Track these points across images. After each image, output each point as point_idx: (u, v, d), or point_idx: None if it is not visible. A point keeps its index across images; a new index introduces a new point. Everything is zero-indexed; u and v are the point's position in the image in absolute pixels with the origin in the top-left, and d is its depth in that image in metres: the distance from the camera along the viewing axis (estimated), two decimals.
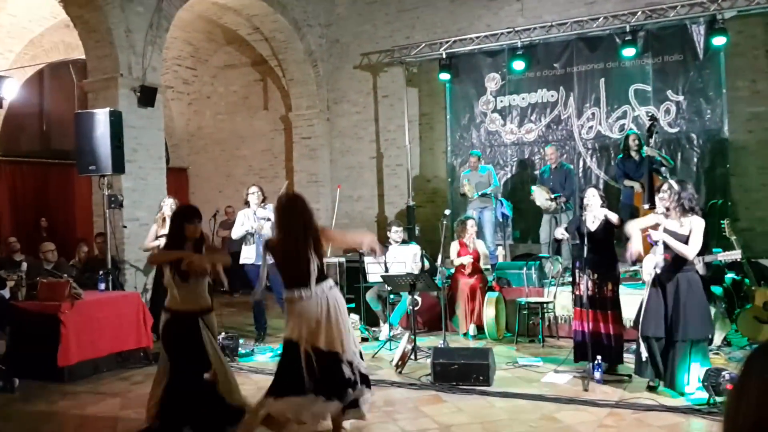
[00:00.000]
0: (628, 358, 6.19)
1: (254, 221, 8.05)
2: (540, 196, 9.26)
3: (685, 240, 5.36)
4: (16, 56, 12.22)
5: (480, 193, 9.79)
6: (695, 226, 5.36)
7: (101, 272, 8.02)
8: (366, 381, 4.57)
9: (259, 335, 8.29)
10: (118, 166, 8.16)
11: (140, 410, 4.81)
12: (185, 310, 4.64)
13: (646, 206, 8.33)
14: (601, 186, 9.87)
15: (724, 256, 6.22)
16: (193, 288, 4.66)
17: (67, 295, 6.61)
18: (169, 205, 8.01)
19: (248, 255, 8.14)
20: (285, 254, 4.46)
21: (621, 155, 9.29)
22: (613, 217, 6.14)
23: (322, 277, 4.46)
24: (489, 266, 8.69)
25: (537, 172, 10.46)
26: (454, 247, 8.39)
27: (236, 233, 8.32)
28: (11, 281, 7.43)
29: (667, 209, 5.46)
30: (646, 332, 5.50)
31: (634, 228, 5.68)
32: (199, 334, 4.62)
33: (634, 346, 5.94)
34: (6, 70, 11.16)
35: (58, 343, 6.40)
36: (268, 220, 7.80)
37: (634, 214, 8.68)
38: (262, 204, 8.16)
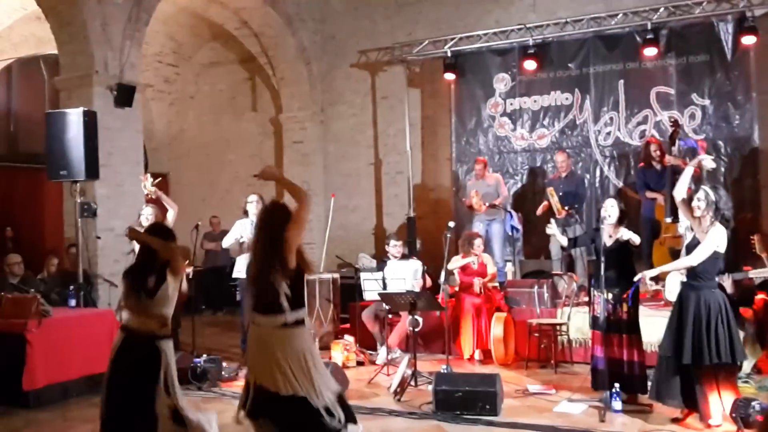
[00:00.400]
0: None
1: (251, 233, 8.00)
2: (557, 200, 9.22)
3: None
4: None
5: (489, 204, 9.77)
6: (712, 233, 5.36)
7: (72, 287, 7.99)
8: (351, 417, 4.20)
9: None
10: (92, 171, 8.15)
11: None
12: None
13: (668, 220, 8.33)
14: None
15: (754, 274, 6.25)
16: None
17: (35, 312, 6.58)
18: (146, 216, 7.99)
19: (242, 268, 8.10)
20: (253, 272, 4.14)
21: (641, 164, 9.31)
22: (636, 240, 6.11)
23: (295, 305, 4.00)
24: (497, 283, 8.67)
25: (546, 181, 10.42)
26: (456, 263, 8.33)
27: (227, 242, 8.50)
28: None
29: (700, 218, 5.44)
30: (662, 351, 5.53)
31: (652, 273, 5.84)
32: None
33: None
34: None
35: (23, 364, 6.37)
36: None
37: (655, 228, 8.69)
38: None
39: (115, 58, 9.44)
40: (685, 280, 5.55)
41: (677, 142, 8.74)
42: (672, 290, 6.12)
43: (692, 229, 5.57)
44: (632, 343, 6.10)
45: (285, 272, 3.89)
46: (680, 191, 5.56)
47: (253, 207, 8.18)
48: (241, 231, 8.31)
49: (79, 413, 6.32)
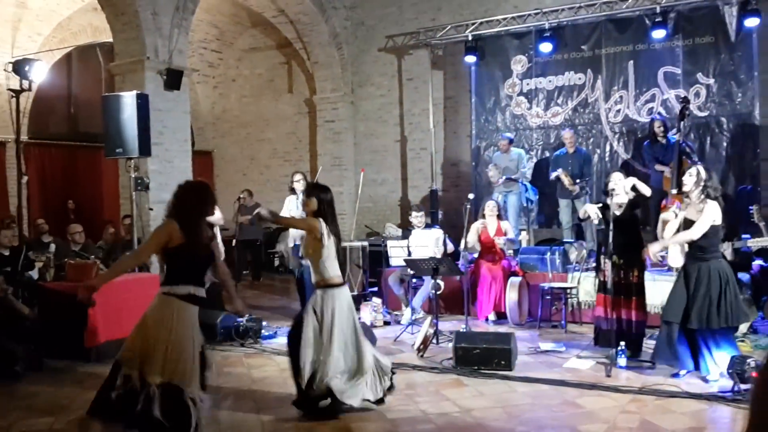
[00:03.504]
0: (649, 344, 6.15)
1: (297, 208, 8.08)
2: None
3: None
4: (44, 39, 12.38)
5: (506, 178, 9.78)
6: (707, 209, 5.34)
7: (128, 254, 8.13)
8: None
9: None
10: (145, 148, 8.23)
11: None
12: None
13: (674, 191, 8.23)
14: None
15: (753, 243, 6.18)
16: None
17: (95, 277, 6.72)
18: None
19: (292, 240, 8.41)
20: None
21: (648, 141, 9.22)
22: (645, 189, 6.08)
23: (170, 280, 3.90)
24: (512, 251, 8.65)
25: (551, 157, 10.35)
26: (475, 229, 8.26)
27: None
28: (40, 262, 7.59)
29: (688, 193, 5.42)
30: (667, 317, 5.50)
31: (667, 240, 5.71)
32: None
33: (656, 333, 5.90)
34: (35, 53, 11.31)
35: (85, 323, 6.53)
36: None
37: (664, 197, 8.61)
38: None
39: (165, 45, 9.50)
40: (687, 251, 5.52)
41: (686, 117, 8.63)
42: (674, 256, 6.06)
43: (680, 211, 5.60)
44: (638, 306, 6.11)
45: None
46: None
47: (300, 185, 8.19)
48: (289, 207, 8.36)
49: None
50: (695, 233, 5.32)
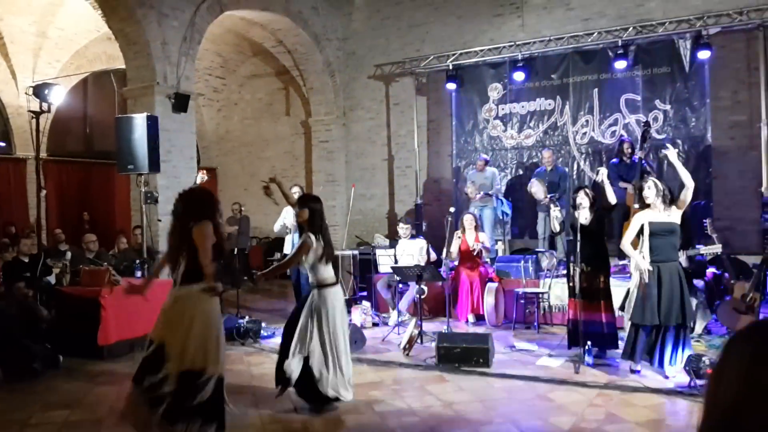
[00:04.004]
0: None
1: (294, 217, 8.07)
2: (539, 188, 9.22)
3: (673, 228, 5.39)
4: (63, 65, 12.34)
5: (483, 193, 9.80)
6: (674, 214, 5.45)
7: (137, 261, 8.08)
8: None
9: None
10: (154, 165, 8.21)
11: None
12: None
13: (636, 206, 8.27)
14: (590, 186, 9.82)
15: (706, 250, 6.23)
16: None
17: (107, 282, 6.69)
18: None
19: (290, 247, 8.58)
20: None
21: (615, 159, 9.27)
22: (611, 197, 6.12)
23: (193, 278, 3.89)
24: (489, 259, 8.66)
25: (533, 173, 10.40)
26: (455, 241, 8.31)
27: (277, 226, 9.01)
28: (57, 269, 7.52)
29: (652, 204, 5.46)
30: (635, 320, 5.49)
31: (628, 248, 5.63)
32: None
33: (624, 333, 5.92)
34: (54, 78, 11.25)
35: (98, 324, 6.49)
36: None
37: (626, 212, 8.66)
38: None
39: (173, 71, 9.48)
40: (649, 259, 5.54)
41: (647, 139, 8.70)
42: (635, 265, 6.07)
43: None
44: (606, 308, 6.11)
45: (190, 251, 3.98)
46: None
47: (296, 197, 8.20)
48: (285, 216, 8.62)
49: None
50: (690, 181, 5.42)
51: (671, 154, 5.70)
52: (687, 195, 5.45)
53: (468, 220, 8.33)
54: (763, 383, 0.95)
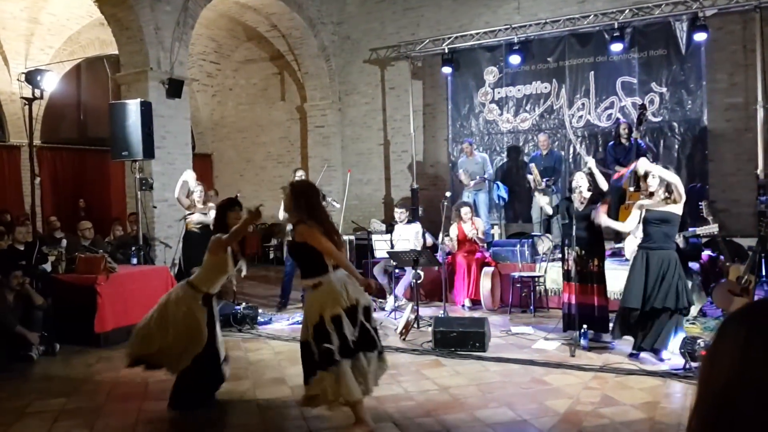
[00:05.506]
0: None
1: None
2: (537, 173, 9.21)
3: (666, 217, 5.38)
4: (55, 52, 12.24)
5: (478, 178, 9.79)
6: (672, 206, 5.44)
7: (133, 248, 8.08)
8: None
9: (282, 303, 8.36)
10: (149, 152, 8.18)
11: (167, 373, 4.85)
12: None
13: (632, 188, 8.29)
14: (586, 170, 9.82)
15: (702, 230, 6.25)
16: None
17: (103, 269, 6.67)
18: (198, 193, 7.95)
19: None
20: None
21: (612, 142, 9.26)
22: (602, 183, 6.25)
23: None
24: (485, 244, 8.67)
25: (527, 158, 10.40)
26: (453, 230, 8.35)
27: (281, 214, 8.61)
28: (52, 256, 7.50)
29: (654, 192, 5.48)
30: (625, 303, 5.52)
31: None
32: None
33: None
34: (47, 64, 11.16)
35: (94, 311, 6.49)
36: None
37: (623, 195, 8.65)
38: None
39: (166, 57, 9.41)
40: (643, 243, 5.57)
41: (643, 122, 8.68)
42: (629, 249, 6.12)
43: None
44: (600, 292, 6.13)
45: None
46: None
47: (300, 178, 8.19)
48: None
49: None
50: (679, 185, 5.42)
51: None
52: (677, 190, 5.44)
53: (464, 211, 8.34)
54: (757, 364, 0.94)
